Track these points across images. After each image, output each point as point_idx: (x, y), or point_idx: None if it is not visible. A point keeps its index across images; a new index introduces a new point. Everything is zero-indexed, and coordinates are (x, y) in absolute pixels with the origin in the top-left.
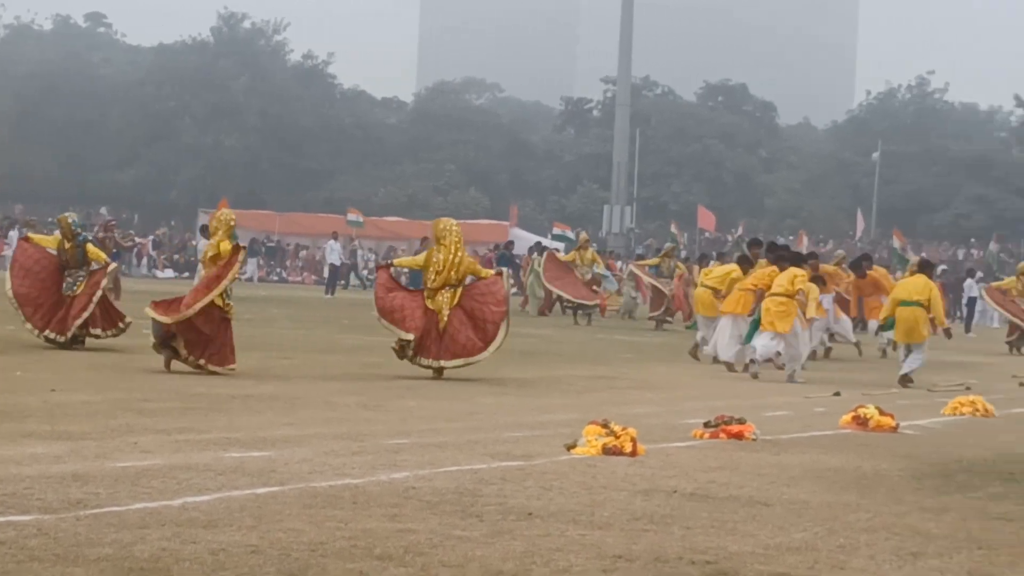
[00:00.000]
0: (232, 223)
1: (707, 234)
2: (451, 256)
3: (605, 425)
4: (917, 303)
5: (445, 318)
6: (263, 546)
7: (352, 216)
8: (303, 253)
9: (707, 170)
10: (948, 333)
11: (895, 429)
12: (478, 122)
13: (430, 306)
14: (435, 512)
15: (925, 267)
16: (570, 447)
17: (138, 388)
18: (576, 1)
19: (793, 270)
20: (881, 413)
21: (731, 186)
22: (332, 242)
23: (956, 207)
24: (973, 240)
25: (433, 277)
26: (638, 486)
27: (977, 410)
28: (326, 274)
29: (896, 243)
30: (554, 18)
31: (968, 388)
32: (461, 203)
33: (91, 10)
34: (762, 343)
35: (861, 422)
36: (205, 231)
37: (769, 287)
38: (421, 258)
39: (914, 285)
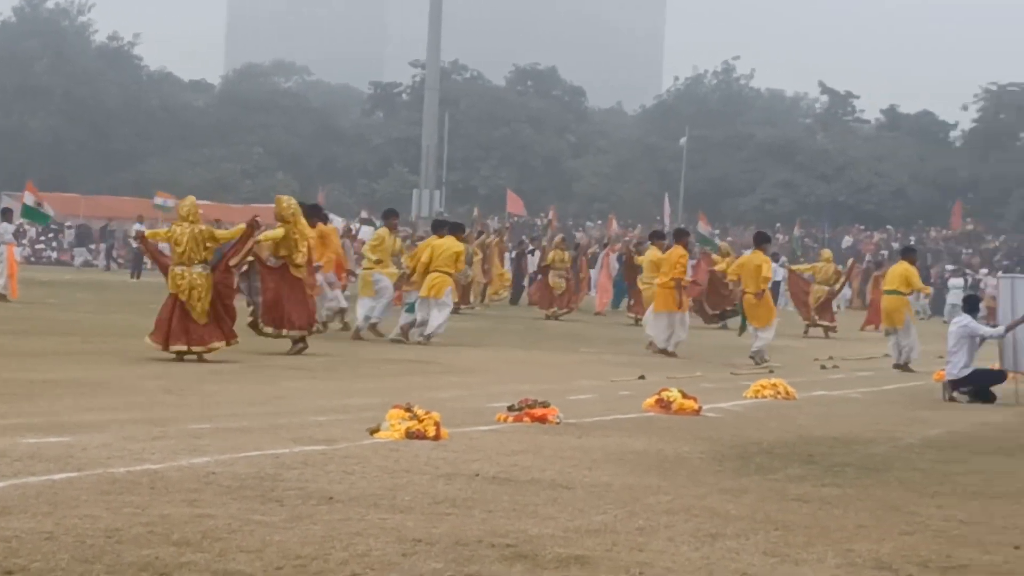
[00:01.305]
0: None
1: (515, 218)
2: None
3: (408, 409)
4: (896, 291)
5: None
6: (58, 533)
7: (160, 199)
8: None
9: (516, 154)
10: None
11: (698, 412)
12: (287, 105)
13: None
14: (235, 497)
15: (908, 254)
16: (373, 431)
17: None
18: None
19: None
20: (684, 396)
21: (540, 170)
22: (137, 225)
23: (762, 192)
24: (778, 225)
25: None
26: (440, 470)
27: (779, 393)
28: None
29: (701, 227)
30: (363, 1)
31: (771, 371)
32: (269, 186)
33: None
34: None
35: (664, 405)
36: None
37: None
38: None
39: (894, 273)
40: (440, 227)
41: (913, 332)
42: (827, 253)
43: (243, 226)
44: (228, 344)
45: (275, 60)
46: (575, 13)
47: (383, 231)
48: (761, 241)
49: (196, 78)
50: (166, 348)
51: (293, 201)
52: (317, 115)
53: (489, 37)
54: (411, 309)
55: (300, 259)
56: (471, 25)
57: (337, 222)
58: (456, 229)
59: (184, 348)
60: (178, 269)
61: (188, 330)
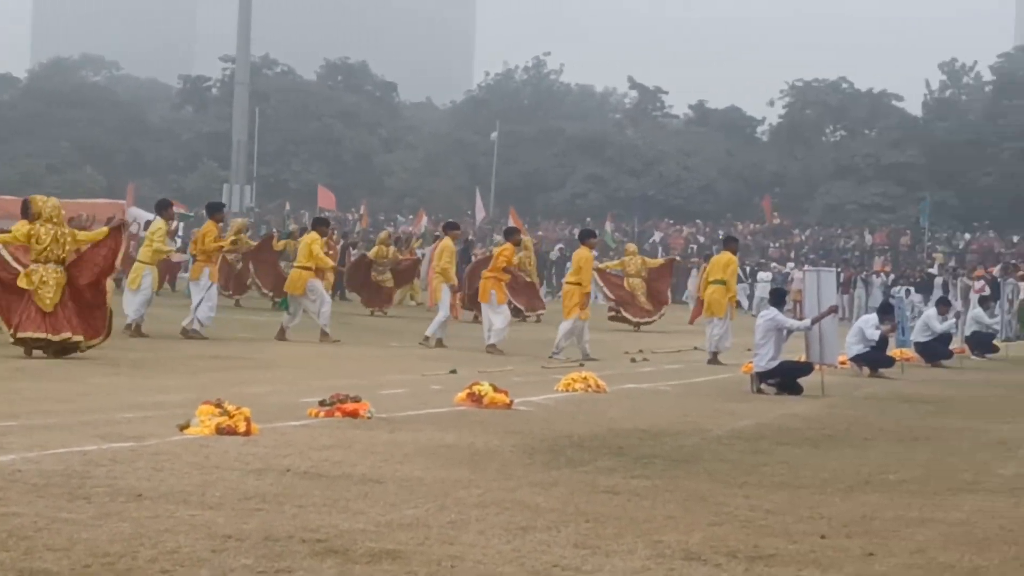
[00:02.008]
0: None
1: (326, 213)
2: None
3: (219, 405)
4: (721, 281)
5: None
6: None
7: None
8: None
9: (327, 149)
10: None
11: (509, 405)
12: (94, 99)
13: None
14: (41, 495)
15: (730, 244)
16: (183, 428)
17: None
18: None
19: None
20: (496, 390)
21: (351, 165)
22: None
23: (572, 187)
24: (589, 219)
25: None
26: (251, 465)
27: (589, 386)
28: None
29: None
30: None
31: (582, 364)
32: (76, 181)
33: None
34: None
35: (476, 399)
36: None
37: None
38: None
39: (718, 264)
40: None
41: (728, 323)
42: (631, 247)
43: (105, 229)
44: (88, 340)
45: (83, 54)
46: (386, 7)
47: (211, 225)
48: (586, 237)
49: (1, 72)
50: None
51: (53, 200)
52: (125, 109)
53: (300, 31)
54: (284, 305)
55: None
56: (282, 19)
57: (145, 218)
58: (320, 224)
59: (38, 336)
60: (33, 266)
61: (40, 318)
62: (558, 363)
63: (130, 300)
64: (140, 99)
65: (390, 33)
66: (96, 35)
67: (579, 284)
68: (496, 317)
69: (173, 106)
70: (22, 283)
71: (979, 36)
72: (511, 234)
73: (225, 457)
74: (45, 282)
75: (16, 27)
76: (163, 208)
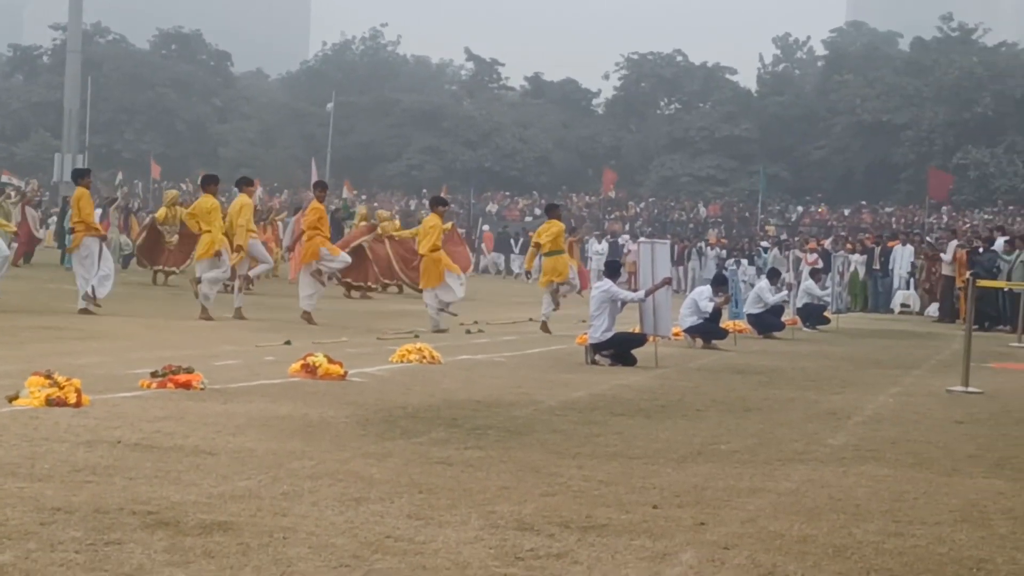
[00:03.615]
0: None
1: (158, 183)
2: None
3: (48, 376)
4: (559, 251)
5: None
6: None
7: None
8: None
9: (161, 118)
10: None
11: (343, 377)
12: None
13: None
14: None
15: (552, 211)
16: (11, 399)
17: None
18: None
19: None
20: (330, 361)
21: (185, 135)
22: None
23: (408, 158)
24: (424, 191)
25: None
26: (81, 437)
27: (424, 357)
28: None
29: (346, 193)
30: None
31: (416, 336)
32: None
33: None
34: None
35: (310, 370)
36: None
37: None
38: None
39: (551, 234)
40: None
41: (567, 291)
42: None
43: None
44: None
45: None
46: None
47: (82, 191)
48: (436, 204)
49: None
50: None
51: None
52: None
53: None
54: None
55: None
56: None
57: None
58: (207, 184)
59: None
60: None
61: None
62: (393, 334)
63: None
64: None
65: (224, 2)
66: None
67: (434, 251)
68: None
69: (3, 75)
70: None
71: (812, 11)
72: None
73: (55, 429)
74: None
75: None
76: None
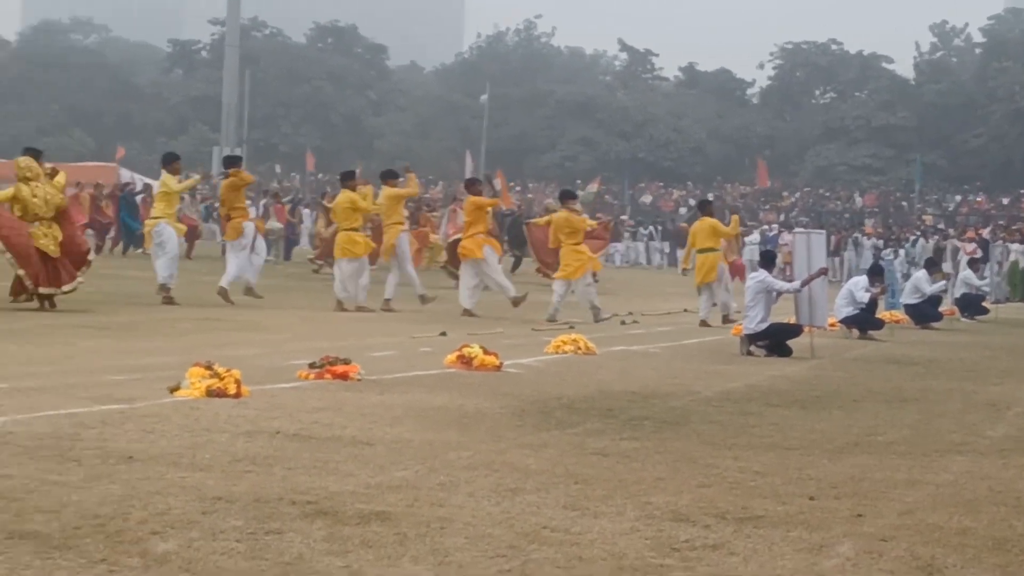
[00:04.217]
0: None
1: (315, 175)
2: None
3: (209, 367)
4: (711, 249)
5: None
6: None
7: None
8: None
9: (317, 112)
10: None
11: (499, 368)
12: (84, 62)
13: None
14: (32, 457)
15: (705, 207)
16: (173, 389)
17: None
18: None
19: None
20: (485, 352)
21: (341, 128)
22: None
23: (562, 149)
24: (579, 181)
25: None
26: (241, 427)
27: (579, 348)
28: None
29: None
30: None
31: (571, 327)
32: (65, 145)
33: None
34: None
35: (465, 361)
36: None
37: None
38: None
39: (702, 232)
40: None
41: (729, 285)
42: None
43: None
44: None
45: (72, 17)
46: None
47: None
48: (566, 198)
49: None
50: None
51: (29, 161)
52: (114, 72)
53: None
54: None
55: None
56: None
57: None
58: (346, 179)
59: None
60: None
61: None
62: (548, 326)
63: (157, 260)
64: (129, 62)
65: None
66: None
67: (578, 245)
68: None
69: (162, 69)
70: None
71: None
72: (471, 185)
73: (215, 419)
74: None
75: None
76: (169, 162)
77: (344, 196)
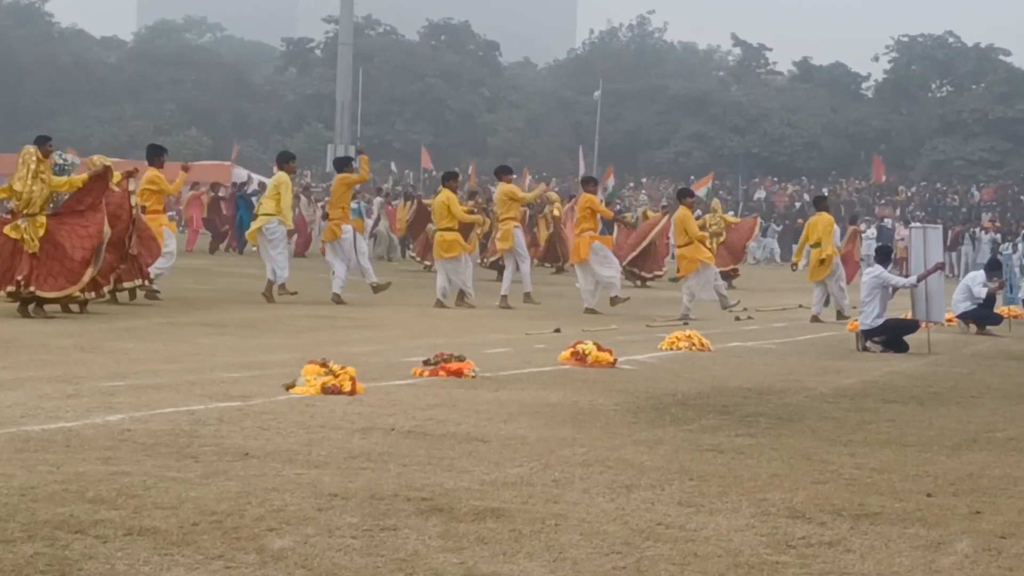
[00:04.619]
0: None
1: (429, 172)
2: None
3: (324, 364)
4: (816, 244)
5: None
6: None
7: (69, 156)
8: None
9: (430, 109)
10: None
11: (613, 364)
12: (199, 62)
13: (11, 234)
14: (150, 454)
15: (820, 203)
16: (289, 387)
17: None
18: None
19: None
20: (599, 349)
21: (454, 125)
22: None
23: (676, 145)
24: (692, 177)
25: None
26: (356, 424)
27: (693, 344)
28: None
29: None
30: None
31: (686, 323)
32: (182, 143)
33: None
34: None
35: (580, 358)
36: None
37: None
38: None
39: (815, 227)
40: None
41: (842, 281)
42: (715, 203)
43: (84, 176)
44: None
45: (187, 16)
46: None
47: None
48: (683, 196)
49: (108, 34)
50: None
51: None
52: (230, 71)
53: None
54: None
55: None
56: None
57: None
58: (447, 180)
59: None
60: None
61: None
62: (663, 322)
63: (269, 256)
64: (244, 61)
65: None
66: None
67: (690, 244)
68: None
69: (277, 68)
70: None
71: None
72: (587, 183)
73: (331, 416)
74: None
75: None
76: (284, 161)
77: (443, 195)
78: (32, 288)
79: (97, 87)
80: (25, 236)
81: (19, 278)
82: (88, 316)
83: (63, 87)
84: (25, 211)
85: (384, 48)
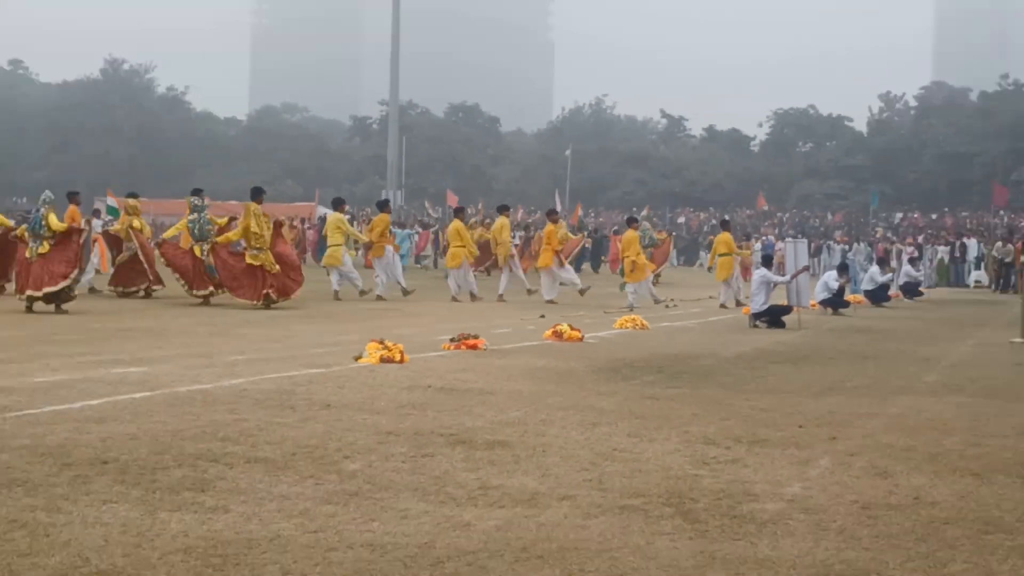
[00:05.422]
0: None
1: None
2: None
3: (381, 342)
4: (727, 253)
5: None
6: (139, 434)
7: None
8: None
9: (453, 164)
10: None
11: (581, 339)
12: (292, 134)
13: (252, 262)
14: (262, 406)
15: (725, 226)
16: (357, 358)
17: (49, 326)
18: (358, 48)
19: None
20: (572, 328)
21: (469, 175)
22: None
23: (623, 187)
24: (634, 209)
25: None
26: (403, 384)
27: (637, 325)
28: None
29: (578, 213)
30: (345, 61)
31: (631, 309)
32: (281, 191)
33: (13, 57)
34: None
35: (558, 335)
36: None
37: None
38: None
39: (720, 241)
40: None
41: (737, 281)
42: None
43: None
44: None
45: (284, 102)
46: (493, 66)
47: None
48: (631, 222)
49: (229, 115)
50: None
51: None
52: (313, 140)
53: (433, 82)
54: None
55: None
56: (421, 75)
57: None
58: (458, 214)
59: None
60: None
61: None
62: (616, 310)
63: (338, 274)
64: (323, 133)
65: (496, 82)
66: (293, 86)
67: (636, 257)
68: (564, 275)
69: (345, 137)
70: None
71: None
72: (552, 214)
73: (386, 378)
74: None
75: (238, 86)
76: (338, 204)
77: (455, 224)
78: (271, 294)
79: (222, 152)
80: (265, 262)
81: (268, 291)
82: (220, 310)
83: (199, 153)
84: (255, 244)
85: (420, 123)
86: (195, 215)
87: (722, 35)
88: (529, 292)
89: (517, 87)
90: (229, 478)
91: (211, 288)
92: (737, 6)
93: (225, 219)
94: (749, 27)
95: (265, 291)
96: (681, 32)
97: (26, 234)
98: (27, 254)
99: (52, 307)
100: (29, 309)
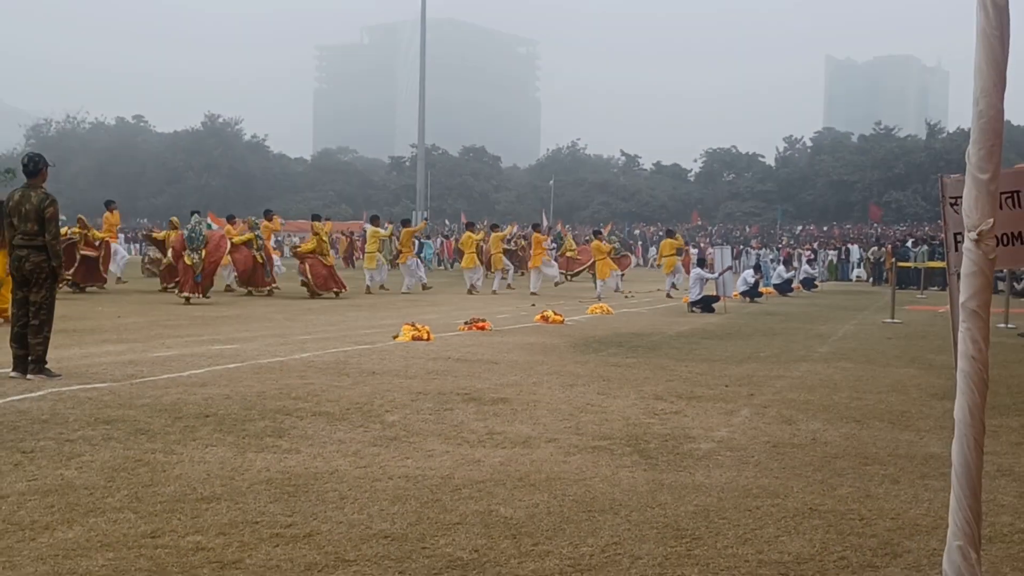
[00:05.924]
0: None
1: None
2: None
3: (413, 325)
4: (671, 255)
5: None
6: (233, 395)
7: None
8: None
9: (465, 193)
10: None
11: (563, 322)
12: (346, 170)
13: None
14: (325, 373)
15: (670, 234)
16: (394, 337)
17: (164, 314)
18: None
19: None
20: (555, 314)
21: (479, 200)
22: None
23: (592, 209)
24: (601, 224)
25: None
26: (430, 356)
27: (604, 311)
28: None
29: (559, 228)
30: (381, 105)
31: (599, 298)
32: (338, 213)
33: (136, 112)
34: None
35: (545, 319)
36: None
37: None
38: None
39: (665, 244)
40: (470, 227)
41: (680, 277)
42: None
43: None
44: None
45: (340, 146)
46: (496, 116)
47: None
48: (596, 235)
49: (296, 156)
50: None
51: (326, 224)
52: (360, 175)
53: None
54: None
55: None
56: (444, 121)
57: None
58: (469, 227)
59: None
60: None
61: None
62: (592, 301)
63: (370, 274)
64: (368, 169)
65: (497, 127)
66: (344, 133)
67: (604, 259)
68: (547, 270)
69: (385, 171)
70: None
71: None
72: (537, 227)
73: (416, 352)
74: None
75: (304, 132)
76: (374, 220)
77: (466, 235)
78: (336, 290)
79: (292, 185)
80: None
81: (337, 290)
82: (289, 301)
83: (275, 185)
84: (322, 252)
85: (441, 161)
86: (251, 232)
87: (667, 71)
88: (556, 284)
89: (513, 130)
90: (299, 427)
91: (273, 286)
92: (684, 43)
93: (229, 227)
94: (690, 62)
95: (336, 290)
96: (640, 69)
97: (183, 242)
98: (187, 261)
99: (183, 300)
100: (187, 301)
